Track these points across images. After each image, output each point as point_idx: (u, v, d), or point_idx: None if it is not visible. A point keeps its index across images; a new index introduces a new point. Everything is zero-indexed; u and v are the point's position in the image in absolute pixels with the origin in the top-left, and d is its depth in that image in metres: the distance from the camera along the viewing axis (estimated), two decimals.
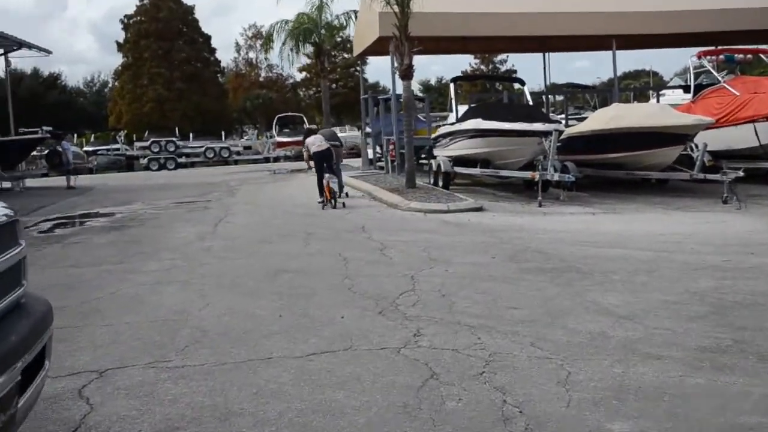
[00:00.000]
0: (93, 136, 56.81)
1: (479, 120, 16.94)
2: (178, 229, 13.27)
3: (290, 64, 32.06)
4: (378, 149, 26.42)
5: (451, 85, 20.18)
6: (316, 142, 16.22)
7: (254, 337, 5.91)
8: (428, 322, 6.22)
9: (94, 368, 5.22)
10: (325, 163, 15.91)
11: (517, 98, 24.64)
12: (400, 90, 20.19)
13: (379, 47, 24.98)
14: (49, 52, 29.25)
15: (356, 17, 28.42)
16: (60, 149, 26.02)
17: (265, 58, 69.24)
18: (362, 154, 26.91)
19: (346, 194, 16.87)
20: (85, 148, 48.47)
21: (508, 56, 69.24)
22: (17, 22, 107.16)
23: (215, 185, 25.10)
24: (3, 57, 28.16)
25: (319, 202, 15.60)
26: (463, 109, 20.11)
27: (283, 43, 30.50)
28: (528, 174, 16.09)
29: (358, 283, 7.89)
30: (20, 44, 26.60)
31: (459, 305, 6.78)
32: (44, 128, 27.77)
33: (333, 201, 15.41)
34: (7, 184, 25.39)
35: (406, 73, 17.32)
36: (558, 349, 5.33)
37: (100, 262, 9.94)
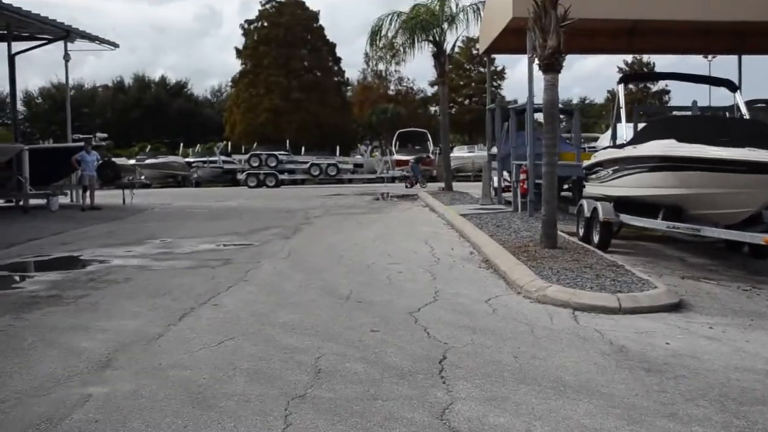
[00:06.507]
0: (198, 146, 52.60)
1: (670, 142, 10.05)
2: (97, 328, 7.09)
3: (401, 61, 25.74)
4: (506, 176, 19.71)
5: (620, 88, 13.11)
6: None
7: None
8: None
9: None
10: None
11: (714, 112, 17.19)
12: (538, 96, 13.53)
13: (511, 40, 18.51)
14: (116, 46, 24.35)
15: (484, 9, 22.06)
16: (78, 159, 20.37)
17: (396, 70, 62.79)
18: (483, 182, 20.15)
19: None
20: (186, 160, 44.46)
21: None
22: (176, 38, 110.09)
23: (290, 214, 19.32)
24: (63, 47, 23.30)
25: None
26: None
27: (394, 37, 24.37)
28: (759, 237, 9.08)
29: None
30: (68, 31, 21.70)
31: None
32: (98, 135, 22.89)
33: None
34: (41, 201, 20.51)
35: (551, 62, 10.58)
36: None
37: None
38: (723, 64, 66.58)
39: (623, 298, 7.60)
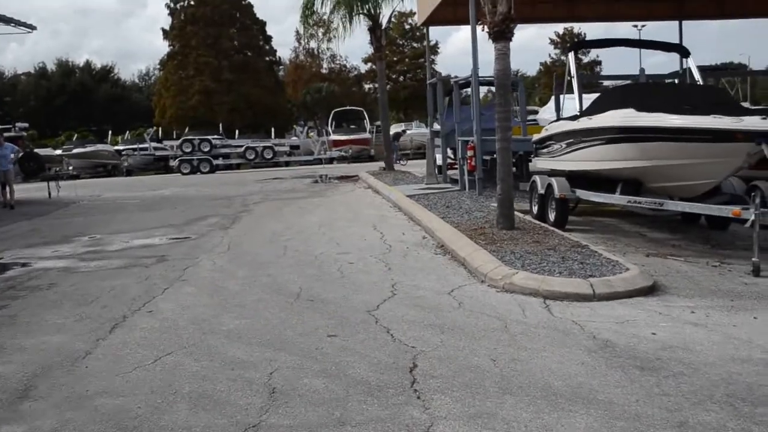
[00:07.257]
0: (128, 133, 50.63)
1: (629, 112, 9.56)
2: (15, 346, 6.19)
3: (333, 37, 24.79)
4: (450, 154, 19.13)
5: (570, 56, 12.62)
6: None
7: None
8: None
9: None
10: None
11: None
12: (487, 68, 12.96)
13: (450, 11, 17.98)
14: (33, 28, 22.87)
15: None
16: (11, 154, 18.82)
17: (327, 48, 61.29)
18: (427, 160, 19.53)
19: None
20: (116, 148, 42.73)
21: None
22: (100, 20, 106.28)
23: (228, 201, 18.45)
24: None
25: None
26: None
27: (331, 12, 23.50)
28: (728, 210, 8.64)
29: None
30: None
31: None
32: (18, 125, 21.48)
33: None
34: None
35: (502, 29, 9.95)
36: None
37: None
38: (653, 33, 67.45)
39: (596, 283, 7.06)
